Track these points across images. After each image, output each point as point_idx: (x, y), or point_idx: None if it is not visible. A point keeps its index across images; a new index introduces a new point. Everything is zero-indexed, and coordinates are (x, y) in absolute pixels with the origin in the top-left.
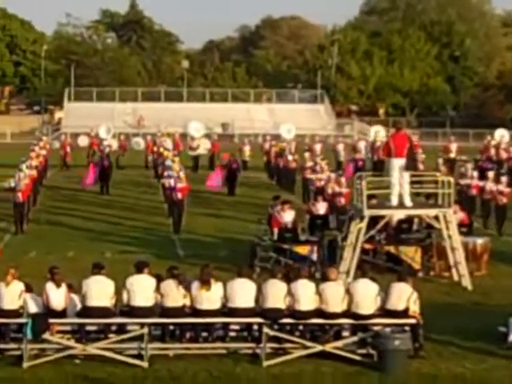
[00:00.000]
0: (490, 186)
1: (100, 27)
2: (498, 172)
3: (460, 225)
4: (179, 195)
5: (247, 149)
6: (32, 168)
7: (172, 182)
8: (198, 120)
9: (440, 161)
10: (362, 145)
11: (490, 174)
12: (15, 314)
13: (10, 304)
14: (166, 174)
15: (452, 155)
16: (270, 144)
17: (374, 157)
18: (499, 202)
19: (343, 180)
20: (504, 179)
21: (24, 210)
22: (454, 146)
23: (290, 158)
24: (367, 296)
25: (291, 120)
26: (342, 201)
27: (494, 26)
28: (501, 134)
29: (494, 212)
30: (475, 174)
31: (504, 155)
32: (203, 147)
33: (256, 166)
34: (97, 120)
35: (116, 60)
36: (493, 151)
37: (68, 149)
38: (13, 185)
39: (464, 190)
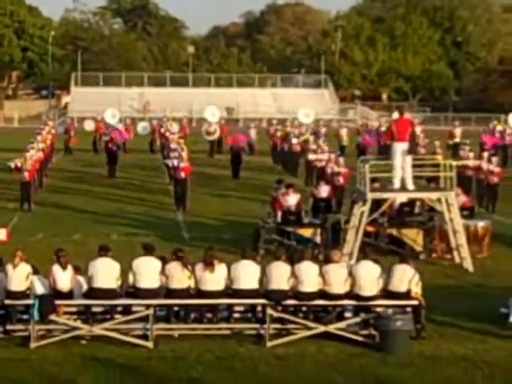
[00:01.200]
0: (484, 165)
1: (107, 13)
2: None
3: (462, 208)
4: (182, 174)
5: (253, 133)
6: (39, 150)
7: (175, 162)
8: (202, 104)
9: (437, 143)
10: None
11: (485, 155)
12: (22, 295)
13: (18, 286)
14: (170, 155)
15: (457, 140)
16: (274, 128)
17: (380, 141)
18: (490, 181)
19: (342, 160)
20: (494, 159)
21: (30, 189)
22: (458, 131)
23: (294, 141)
24: (369, 278)
25: (295, 104)
26: (341, 180)
27: (495, 12)
28: None
29: (486, 191)
30: (471, 154)
31: (508, 140)
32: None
33: (261, 151)
34: (103, 105)
35: (122, 45)
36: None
37: (72, 133)
38: (19, 164)
39: (461, 170)
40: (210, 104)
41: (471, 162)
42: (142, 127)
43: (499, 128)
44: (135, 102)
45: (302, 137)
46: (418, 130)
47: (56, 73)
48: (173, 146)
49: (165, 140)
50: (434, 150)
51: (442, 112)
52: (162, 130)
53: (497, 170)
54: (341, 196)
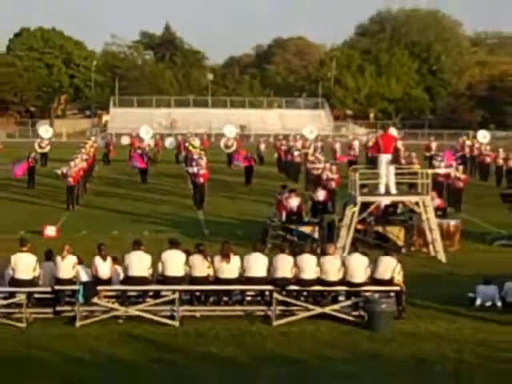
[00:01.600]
0: (452, 172)
1: (140, 46)
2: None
3: (436, 209)
4: (201, 179)
5: (263, 146)
6: (83, 160)
7: (195, 169)
8: (220, 123)
9: (413, 154)
10: (355, 144)
11: (454, 164)
12: (69, 282)
13: (65, 274)
14: (192, 164)
15: (433, 152)
16: (280, 143)
17: (367, 154)
18: (457, 185)
19: (334, 168)
20: (460, 168)
21: (74, 192)
22: (433, 145)
23: (296, 153)
24: (359, 267)
25: (297, 123)
26: (333, 184)
27: (464, 46)
28: (483, 134)
29: (453, 194)
30: (442, 164)
31: (476, 152)
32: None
33: (269, 161)
34: (137, 123)
35: (153, 73)
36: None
37: (111, 147)
38: (65, 171)
39: (435, 177)
40: (226, 122)
41: (442, 171)
42: (169, 142)
43: (468, 142)
44: (163, 121)
45: (304, 150)
46: (400, 143)
47: (97, 96)
48: (195, 156)
49: (188, 152)
50: (410, 160)
51: (419, 129)
52: (186, 145)
53: (463, 176)
54: (333, 198)
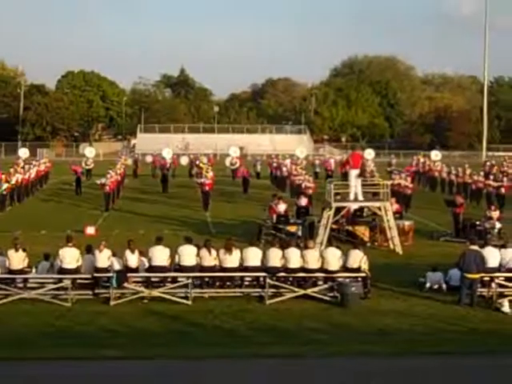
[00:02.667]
0: (402, 182)
1: (161, 85)
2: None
3: (395, 212)
4: (207, 188)
5: (259, 163)
6: (116, 174)
7: (202, 180)
8: (224, 145)
9: (374, 168)
10: (331, 161)
11: (403, 176)
12: (105, 270)
13: (102, 264)
14: (202, 176)
15: (393, 167)
16: (271, 161)
17: (343, 169)
18: (406, 192)
19: (311, 179)
20: (409, 178)
21: (109, 198)
22: (393, 162)
23: (284, 169)
24: (334, 258)
25: (285, 145)
26: (310, 191)
27: (416, 84)
28: (435, 153)
29: (402, 198)
30: (397, 177)
31: (426, 167)
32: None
33: (263, 176)
34: (158, 145)
35: (171, 106)
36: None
37: (138, 164)
38: (103, 181)
39: (393, 187)
40: (228, 145)
41: (396, 181)
42: (184, 160)
43: (422, 160)
44: (179, 144)
45: (297, 166)
46: (371, 162)
47: (127, 124)
48: (203, 171)
49: (198, 168)
50: (371, 173)
51: (381, 150)
52: (197, 162)
53: (410, 185)
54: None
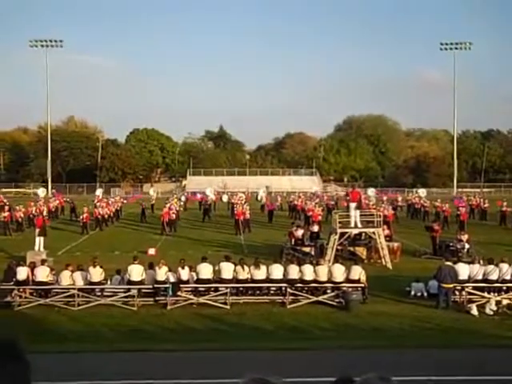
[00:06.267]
0: (386, 212)
1: (205, 139)
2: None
3: (386, 236)
4: (238, 217)
5: (279, 199)
6: (170, 208)
7: (236, 211)
8: (254, 185)
9: (370, 203)
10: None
11: (389, 207)
12: (163, 282)
13: (161, 277)
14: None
15: (371, 197)
16: (291, 196)
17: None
18: (389, 220)
19: (320, 209)
20: (390, 208)
21: (165, 226)
22: (385, 198)
23: (298, 203)
24: (339, 272)
25: (300, 185)
26: (319, 217)
27: (401, 136)
28: (422, 191)
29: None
30: (386, 207)
31: (415, 200)
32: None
33: (283, 208)
34: (204, 185)
35: (213, 155)
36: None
37: (188, 200)
38: (160, 213)
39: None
40: (257, 185)
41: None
42: (224, 197)
43: (411, 195)
44: (220, 184)
45: (310, 200)
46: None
47: (179, 169)
48: (238, 205)
49: (234, 203)
50: (367, 206)
51: (374, 188)
52: (233, 200)
53: (390, 213)
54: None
